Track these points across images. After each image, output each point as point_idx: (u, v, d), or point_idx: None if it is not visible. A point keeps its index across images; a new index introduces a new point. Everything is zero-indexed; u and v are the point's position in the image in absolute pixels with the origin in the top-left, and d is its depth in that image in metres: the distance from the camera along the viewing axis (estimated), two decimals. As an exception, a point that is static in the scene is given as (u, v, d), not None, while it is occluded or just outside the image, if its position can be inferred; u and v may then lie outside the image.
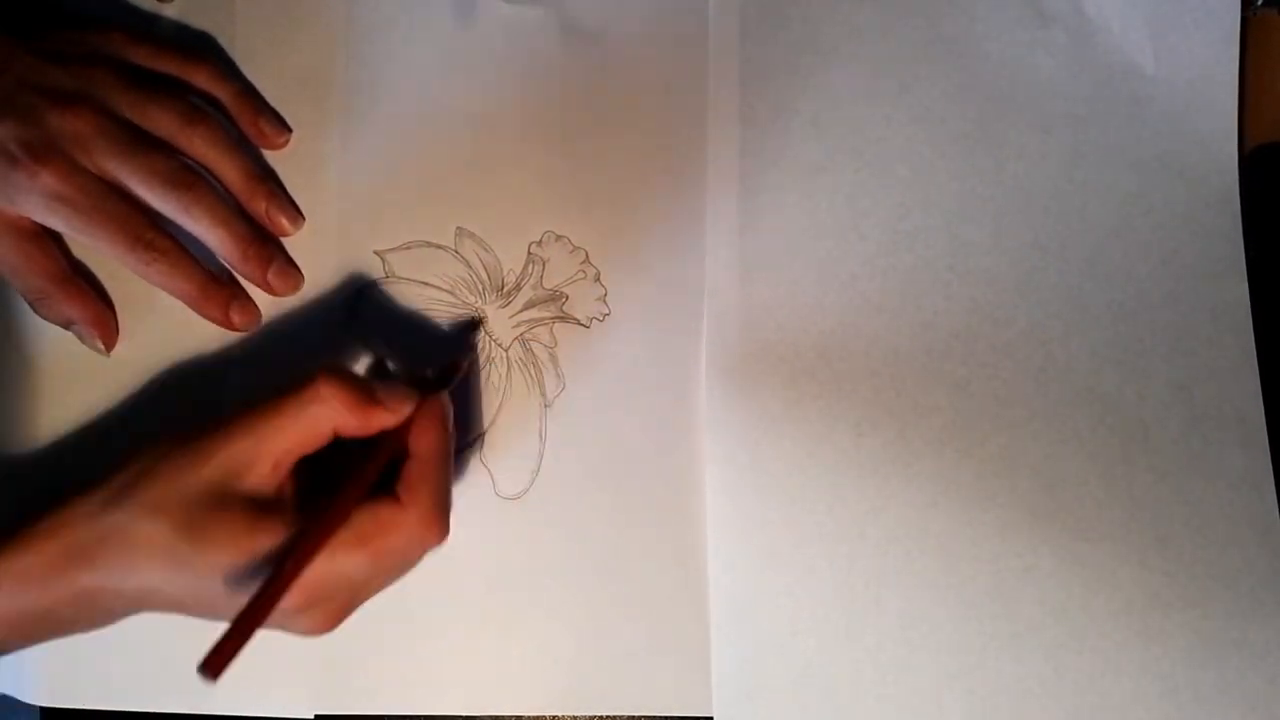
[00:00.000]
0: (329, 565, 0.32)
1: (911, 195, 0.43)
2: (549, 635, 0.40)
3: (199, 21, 0.44)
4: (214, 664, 0.28)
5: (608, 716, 0.40)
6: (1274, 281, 0.42)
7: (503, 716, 0.40)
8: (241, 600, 0.30)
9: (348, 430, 0.34)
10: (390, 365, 0.42)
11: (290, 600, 0.31)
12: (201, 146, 0.40)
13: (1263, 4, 0.43)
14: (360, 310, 0.42)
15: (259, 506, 0.32)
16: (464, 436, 0.41)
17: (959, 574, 0.40)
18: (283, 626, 0.33)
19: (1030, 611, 0.39)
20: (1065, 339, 0.42)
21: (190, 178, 0.39)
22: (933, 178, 0.43)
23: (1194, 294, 0.42)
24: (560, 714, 0.40)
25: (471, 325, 0.42)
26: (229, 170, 0.41)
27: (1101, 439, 0.41)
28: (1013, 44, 0.44)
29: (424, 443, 0.35)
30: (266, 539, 0.32)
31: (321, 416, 0.33)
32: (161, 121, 0.39)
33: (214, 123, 0.40)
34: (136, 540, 0.32)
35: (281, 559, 0.31)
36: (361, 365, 0.42)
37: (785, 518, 0.40)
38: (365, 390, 0.34)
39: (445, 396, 0.36)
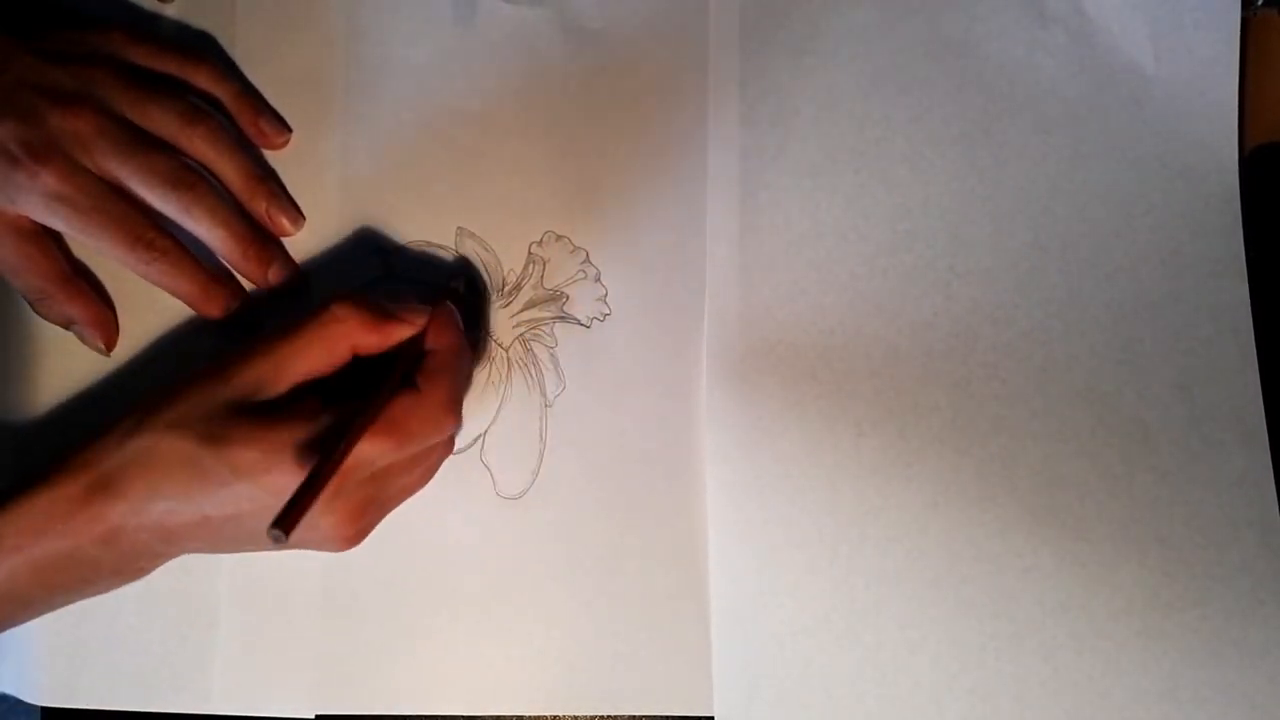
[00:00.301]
0: (354, 451, 0.32)
1: (912, 195, 0.43)
2: (549, 635, 0.40)
3: (199, 22, 0.44)
4: (287, 522, 0.29)
5: (608, 716, 0.40)
6: (1274, 281, 0.42)
7: (503, 716, 0.40)
8: (267, 505, 0.32)
9: (366, 346, 0.35)
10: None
11: (339, 512, 0.33)
12: (202, 146, 0.40)
13: (1263, 4, 0.43)
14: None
15: (278, 414, 0.33)
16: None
17: (959, 574, 0.40)
18: (309, 537, 0.34)
19: (1030, 611, 0.39)
20: (1065, 339, 0.42)
21: (191, 177, 0.39)
22: (933, 178, 0.43)
23: (1194, 294, 0.42)
24: (560, 714, 0.40)
25: (463, 264, 0.42)
26: (229, 170, 0.41)
27: (1101, 439, 0.41)
28: (1013, 44, 0.44)
29: (440, 340, 0.36)
30: (286, 432, 0.33)
31: (339, 336, 0.35)
32: (162, 121, 0.39)
33: (215, 122, 0.40)
34: (160, 457, 0.33)
35: (334, 435, 0.32)
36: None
37: (785, 518, 0.40)
38: (380, 307, 0.36)
39: (451, 306, 0.38)
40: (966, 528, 0.40)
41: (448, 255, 0.43)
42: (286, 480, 0.32)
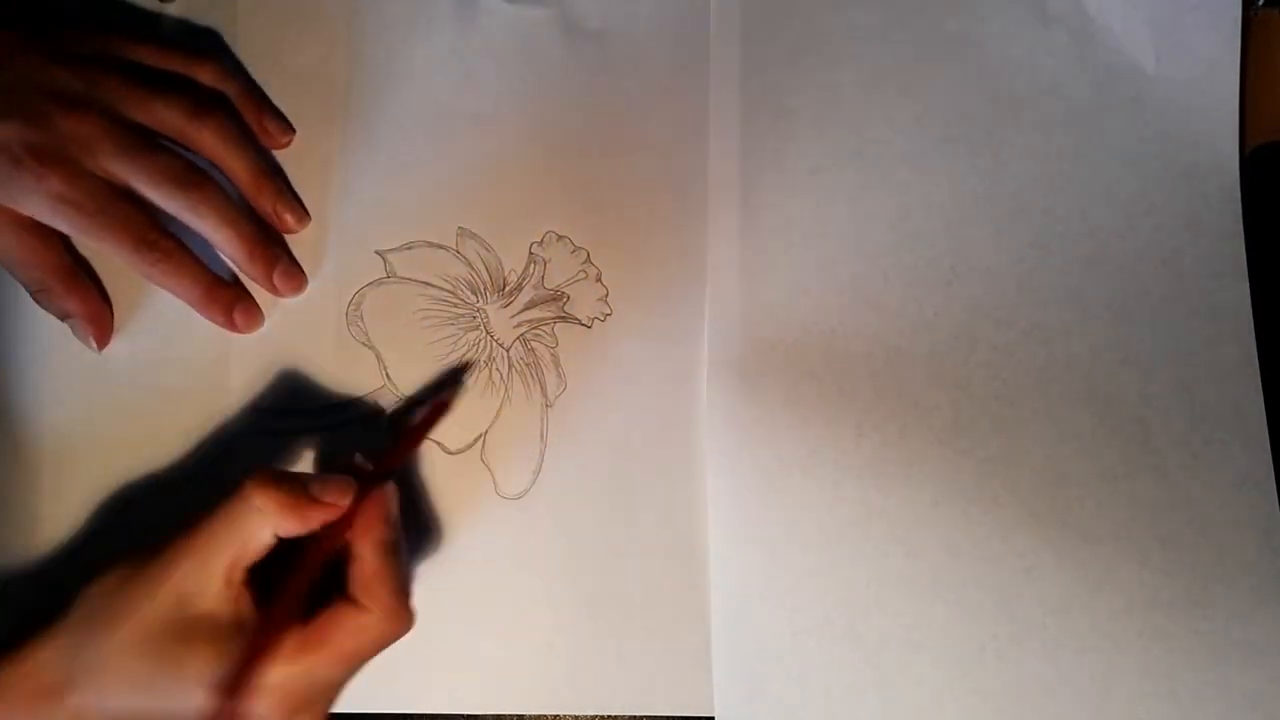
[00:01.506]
0: (305, 677, 0.32)
1: (912, 195, 0.43)
2: (549, 635, 0.40)
3: (201, 21, 0.44)
4: None
5: (608, 716, 0.40)
6: (1275, 281, 0.42)
7: (503, 716, 0.40)
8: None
9: (286, 530, 0.33)
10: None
11: (275, 716, 0.32)
12: (210, 141, 0.40)
13: (1264, 3, 0.43)
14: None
15: (222, 623, 0.32)
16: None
17: (959, 574, 0.40)
18: None
19: (1030, 611, 0.39)
20: (1066, 339, 0.42)
21: (198, 177, 0.39)
22: (934, 178, 0.43)
23: (1195, 294, 0.42)
24: (560, 714, 0.40)
25: (406, 409, 0.41)
26: (237, 165, 0.41)
27: (1102, 439, 0.41)
28: (1014, 44, 0.44)
29: (367, 541, 0.34)
30: (238, 648, 0.32)
31: (259, 525, 0.33)
32: (169, 117, 0.39)
33: (223, 117, 0.40)
34: (110, 677, 0.32)
35: (236, 669, 0.31)
36: (367, 369, 0.42)
37: (785, 518, 0.40)
38: (297, 488, 0.33)
39: (388, 486, 0.35)
40: (967, 528, 0.40)
41: (448, 255, 0.43)
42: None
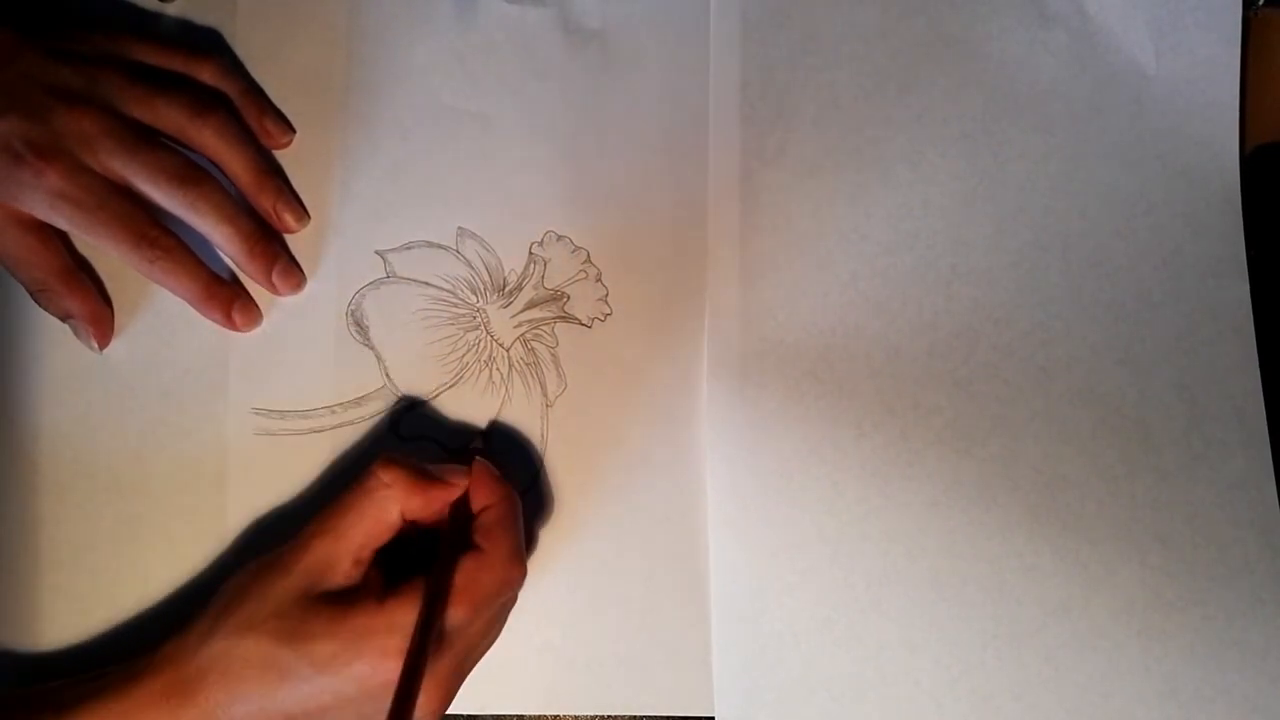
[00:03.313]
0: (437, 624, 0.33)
1: (912, 195, 0.43)
2: (549, 635, 0.40)
3: (202, 21, 0.44)
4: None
5: (608, 716, 0.40)
6: (1275, 281, 0.42)
7: (503, 716, 0.40)
8: (349, 697, 0.32)
9: (413, 510, 0.35)
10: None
11: None
12: (211, 139, 0.40)
13: (1264, 3, 0.43)
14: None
15: (348, 596, 0.33)
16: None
17: (959, 574, 0.40)
18: None
19: (1030, 611, 0.39)
20: (1066, 339, 0.42)
21: (198, 174, 0.39)
22: (934, 178, 0.43)
23: (1195, 294, 0.42)
24: (560, 714, 0.40)
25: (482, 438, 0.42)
26: (237, 164, 0.41)
27: (1102, 439, 0.41)
28: (1014, 44, 0.43)
29: (486, 496, 0.36)
30: (359, 619, 0.32)
31: (388, 502, 0.34)
32: (169, 115, 0.39)
33: (224, 115, 0.40)
34: (237, 661, 0.32)
35: (416, 636, 0.32)
36: (367, 370, 0.42)
37: (785, 518, 0.40)
38: (421, 470, 0.36)
39: (485, 461, 0.38)
40: (967, 528, 0.40)
41: (448, 255, 0.43)
42: (369, 669, 0.32)
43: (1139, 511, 0.40)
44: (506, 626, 0.40)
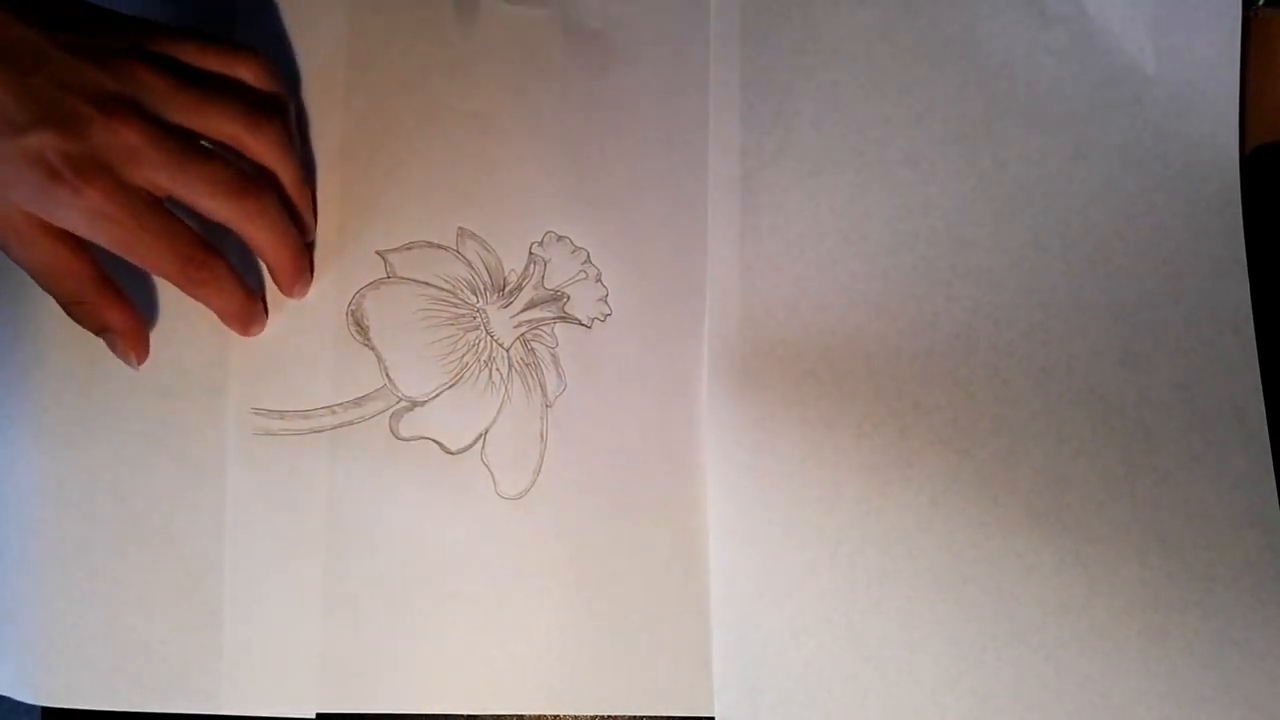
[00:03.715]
0: None
1: (912, 195, 0.43)
2: (549, 635, 0.40)
3: (200, 21, 0.44)
4: None
5: (608, 716, 0.40)
6: (1275, 281, 0.42)
7: (503, 716, 0.40)
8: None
9: None
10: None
11: None
12: (267, 147, 0.38)
13: (1264, 3, 0.43)
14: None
15: None
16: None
17: (959, 574, 0.40)
18: None
19: (1030, 611, 0.39)
20: (1066, 339, 0.42)
21: (252, 186, 0.37)
22: (934, 178, 0.43)
23: (1195, 294, 0.42)
24: (561, 714, 0.40)
25: None
26: (288, 173, 0.39)
27: (1103, 439, 0.41)
28: (1014, 44, 0.44)
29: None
30: None
31: None
32: (224, 124, 0.37)
33: (278, 122, 0.38)
34: None
35: None
36: (367, 370, 0.42)
37: (785, 518, 0.40)
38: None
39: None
40: (967, 528, 0.40)
41: (448, 255, 0.43)
42: None
43: (1139, 511, 0.40)
44: (507, 626, 0.40)
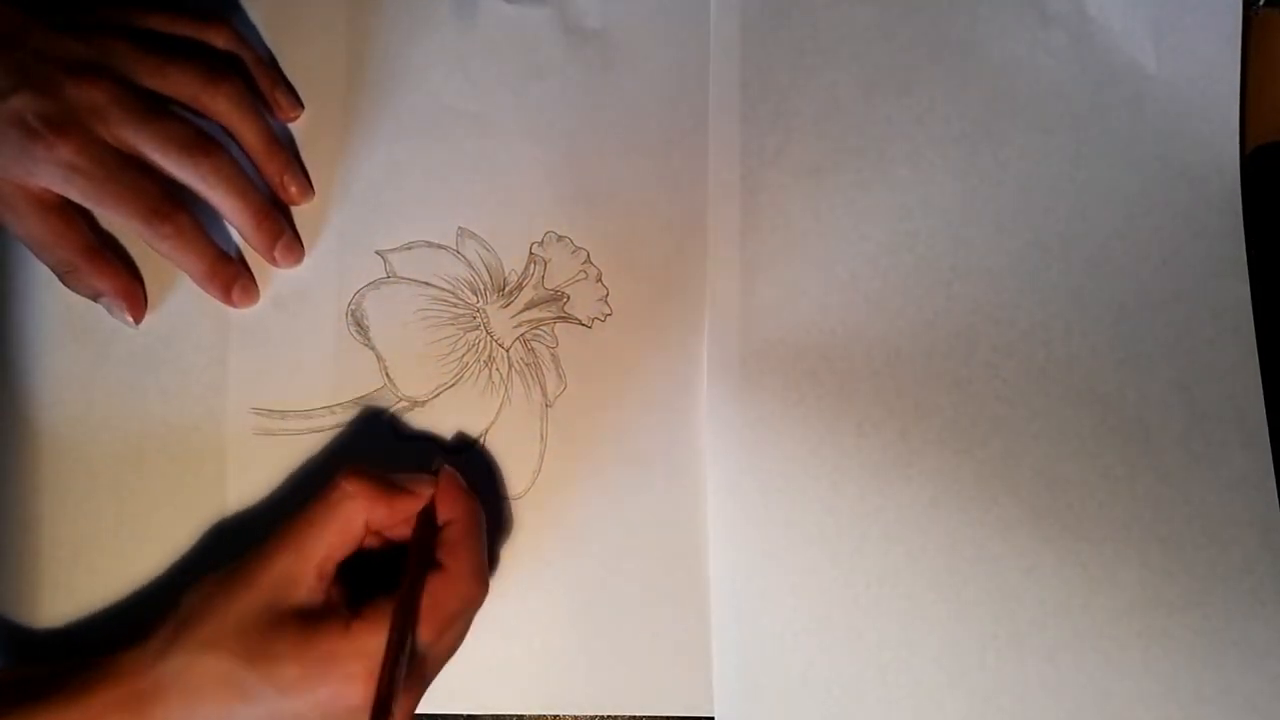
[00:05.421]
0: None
1: (913, 195, 0.43)
2: (549, 635, 0.40)
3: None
4: None
5: (608, 716, 0.40)
6: (1275, 281, 0.42)
7: (503, 716, 0.40)
8: (299, 718, 0.31)
9: (378, 521, 0.35)
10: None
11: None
12: (224, 105, 0.40)
13: (1265, 3, 0.43)
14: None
15: (313, 616, 0.33)
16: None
17: (959, 574, 0.40)
18: None
19: (1030, 611, 0.39)
20: (1066, 339, 0.42)
21: (209, 144, 0.39)
22: (934, 178, 0.43)
23: (1195, 294, 0.42)
24: (560, 714, 0.40)
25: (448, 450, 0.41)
26: (249, 131, 0.41)
27: (1103, 439, 0.41)
28: (1014, 44, 0.43)
29: (452, 509, 0.36)
30: (326, 643, 0.32)
31: (353, 512, 0.34)
32: (183, 83, 0.39)
33: (237, 82, 0.40)
34: (196, 678, 0.32)
35: (387, 663, 0.32)
36: (367, 370, 0.42)
37: (785, 518, 0.40)
38: (386, 479, 0.35)
39: (452, 470, 0.37)
40: (967, 528, 0.40)
41: (448, 255, 0.43)
42: (334, 694, 0.31)
43: (1139, 511, 0.40)
44: (507, 626, 0.40)
